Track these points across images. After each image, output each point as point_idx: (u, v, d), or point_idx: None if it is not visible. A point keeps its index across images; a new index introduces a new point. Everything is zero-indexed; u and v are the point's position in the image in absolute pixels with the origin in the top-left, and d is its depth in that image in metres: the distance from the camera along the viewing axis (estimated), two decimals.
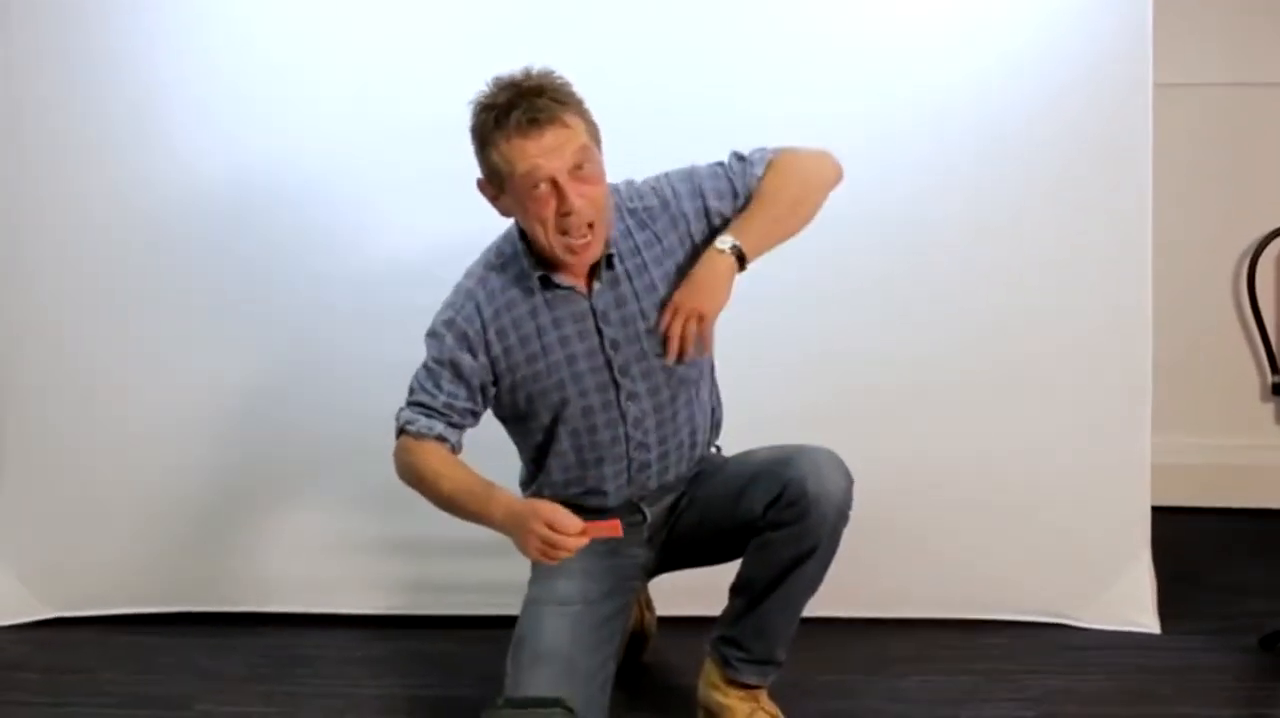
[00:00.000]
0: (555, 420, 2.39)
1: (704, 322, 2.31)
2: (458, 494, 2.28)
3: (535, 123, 2.18)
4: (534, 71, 2.24)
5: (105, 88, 2.98)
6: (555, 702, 2.21)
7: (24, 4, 2.97)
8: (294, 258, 3.02)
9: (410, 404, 2.36)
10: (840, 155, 2.41)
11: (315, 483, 3.08)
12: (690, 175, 2.39)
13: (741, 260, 2.30)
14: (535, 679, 2.28)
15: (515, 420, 2.46)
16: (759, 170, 2.37)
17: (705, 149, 2.41)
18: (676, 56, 2.92)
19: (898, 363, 2.96)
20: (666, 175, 2.41)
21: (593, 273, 2.33)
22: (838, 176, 2.42)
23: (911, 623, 3.00)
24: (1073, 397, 2.97)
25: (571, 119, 2.21)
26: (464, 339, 2.34)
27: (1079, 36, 2.89)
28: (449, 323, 2.35)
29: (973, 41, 2.91)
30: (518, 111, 2.18)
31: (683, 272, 2.35)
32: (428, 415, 2.34)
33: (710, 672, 2.49)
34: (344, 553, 3.09)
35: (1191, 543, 3.38)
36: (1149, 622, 2.97)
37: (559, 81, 2.24)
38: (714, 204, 2.36)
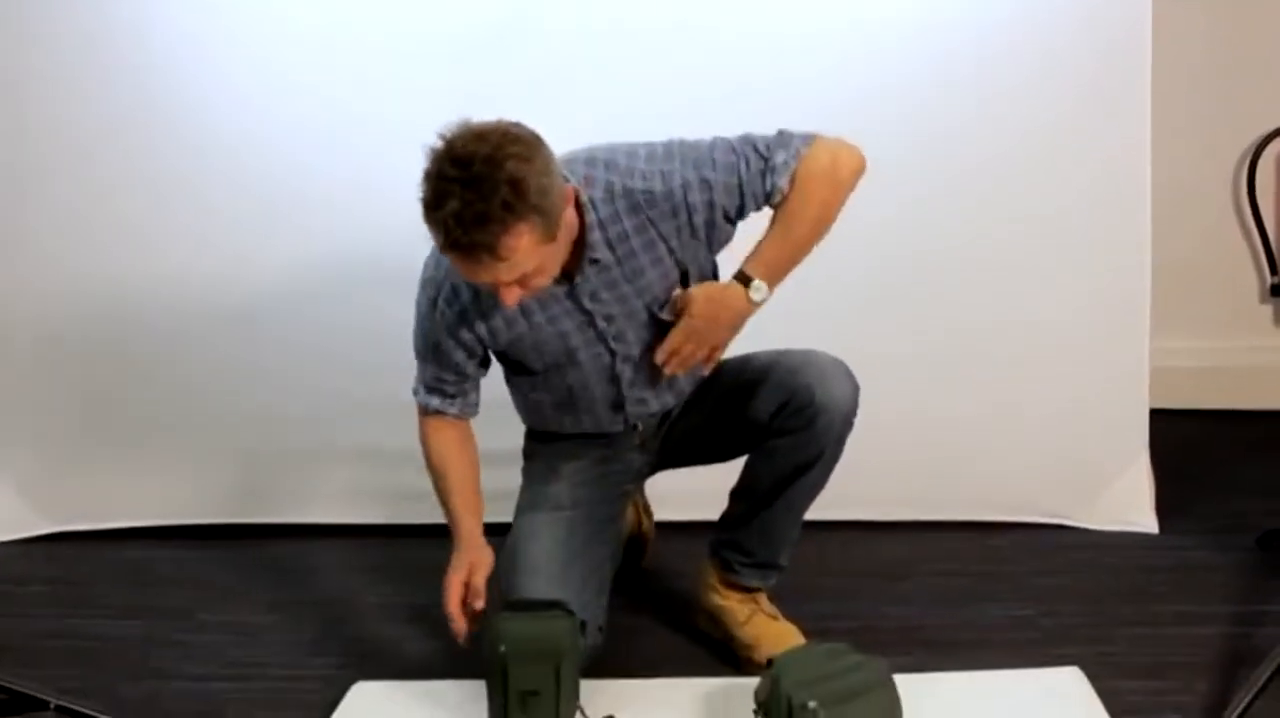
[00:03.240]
0: (548, 370, 2.35)
1: (714, 354, 2.30)
2: (442, 497, 2.38)
3: (469, 254, 1.96)
4: (482, 151, 1.92)
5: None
6: (554, 604, 2.22)
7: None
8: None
9: (423, 385, 2.35)
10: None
11: (312, 395, 3.06)
12: (700, 164, 2.17)
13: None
14: (530, 585, 2.30)
15: (512, 369, 2.42)
16: (781, 182, 2.16)
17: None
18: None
19: (898, 269, 2.93)
20: (677, 157, 2.18)
21: (574, 266, 2.19)
22: (861, 170, 2.20)
23: (910, 526, 3.01)
24: (1072, 301, 2.96)
25: (514, 239, 1.94)
26: (456, 319, 2.26)
27: None
28: (432, 303, 2.26)
29: None
30: (452, 231, 1.92)
31: (674, 254, 2.22)
32: (441, 396, 2.35)
33: (709, 575, 2.50)
34: (340, 463, 3.10)
35: (1190, 444, 3.38)
36: (1148, 522, 2.98)
37: (509, 173, 1.92)
38: (720, 200, 2.18)
